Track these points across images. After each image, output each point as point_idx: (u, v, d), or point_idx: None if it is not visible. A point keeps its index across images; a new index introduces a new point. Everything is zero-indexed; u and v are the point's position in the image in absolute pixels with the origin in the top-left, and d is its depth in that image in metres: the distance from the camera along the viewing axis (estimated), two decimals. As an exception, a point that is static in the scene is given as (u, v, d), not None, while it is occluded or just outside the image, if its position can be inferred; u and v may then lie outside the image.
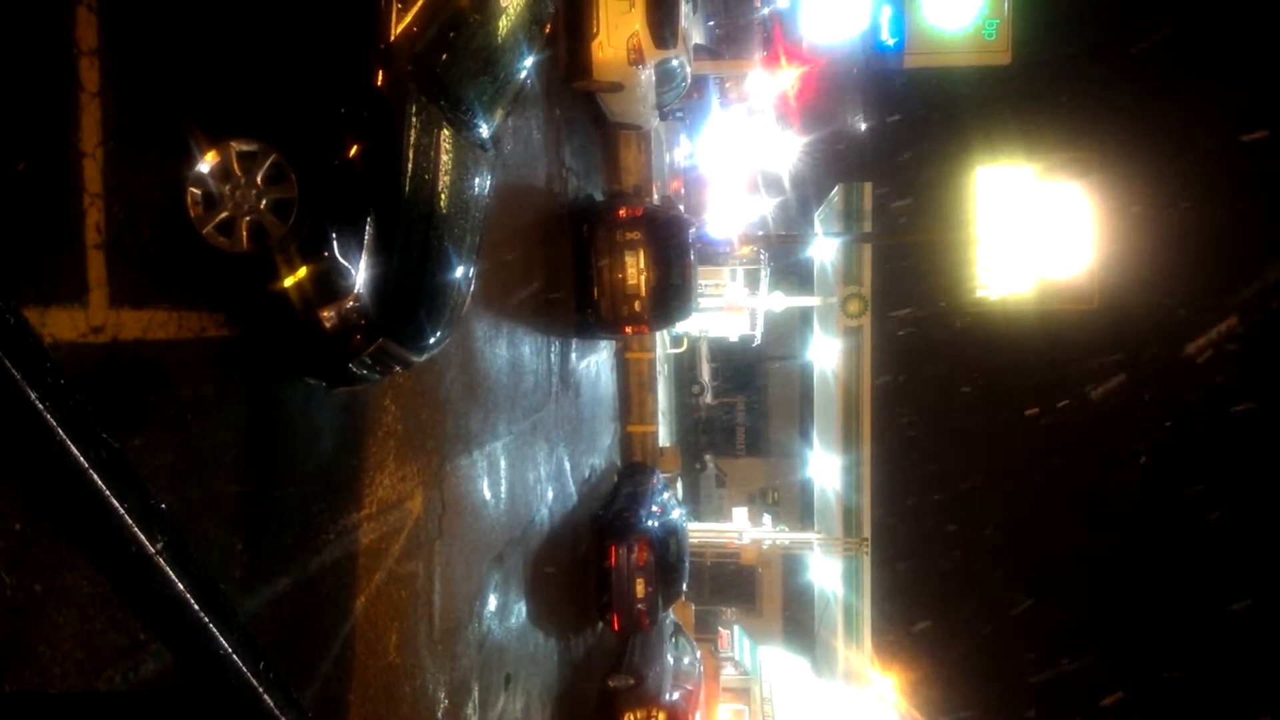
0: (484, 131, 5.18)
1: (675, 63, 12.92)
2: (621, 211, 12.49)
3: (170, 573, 1.50)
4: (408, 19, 3.99)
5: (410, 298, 4.45)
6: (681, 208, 21.54)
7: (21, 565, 3.00)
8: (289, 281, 3.84)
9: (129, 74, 3.55)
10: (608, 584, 12.62)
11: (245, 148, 3.79)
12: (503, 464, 8.84)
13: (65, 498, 1.39)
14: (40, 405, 1.22)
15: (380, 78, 3.97)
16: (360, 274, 3.97)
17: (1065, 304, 20.83)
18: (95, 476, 1.34)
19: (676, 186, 23.14)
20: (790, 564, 33.17)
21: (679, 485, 21.85)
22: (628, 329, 12.99)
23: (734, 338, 27.48)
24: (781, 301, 26.06)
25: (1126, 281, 23.50)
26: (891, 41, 17.65)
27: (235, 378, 4.25)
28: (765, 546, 25.06)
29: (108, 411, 3.46)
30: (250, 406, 4.41)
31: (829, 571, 27.35)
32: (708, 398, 38.11)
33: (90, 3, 3.40)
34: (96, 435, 1.31)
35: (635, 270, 12.36)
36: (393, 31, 3.96)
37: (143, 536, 1.44)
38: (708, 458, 39.42)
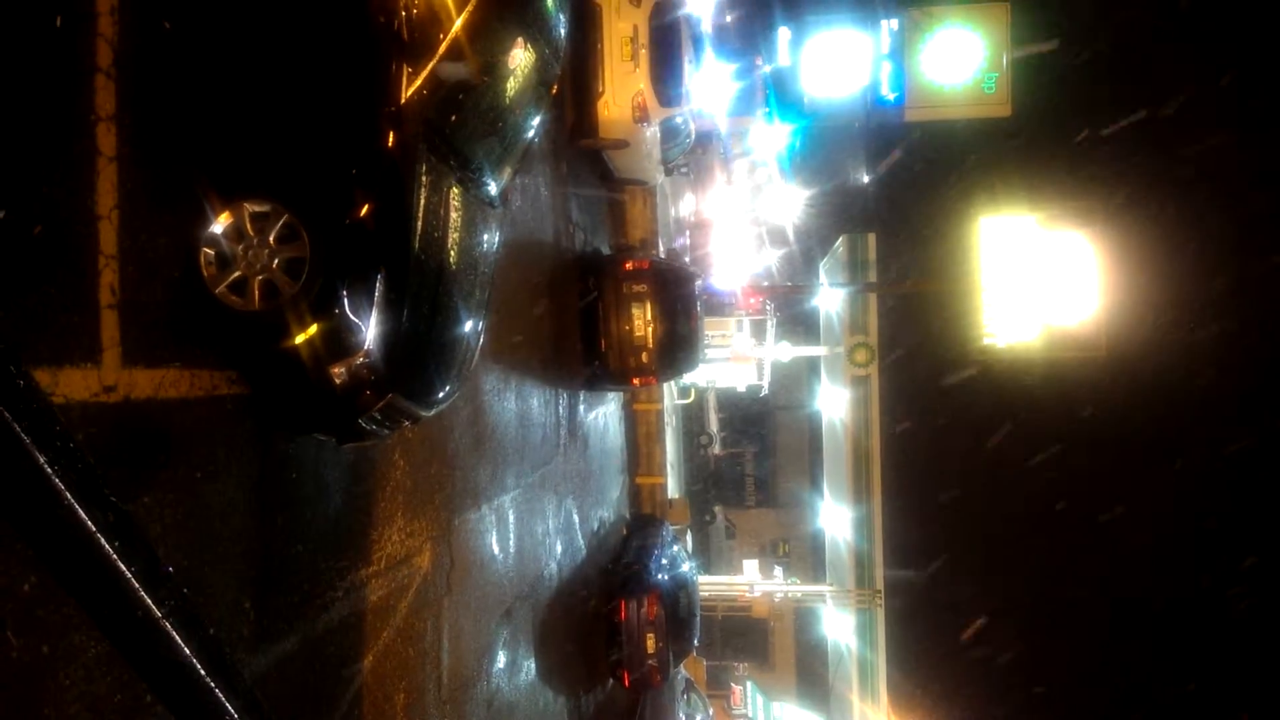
0: (492, 189, 5.26)
1: (679, 120, 13.15)
2: (628, 265, 12.61)
3: (176, 637, 1.49)
4: (418, 82, 4.09)
5: (420, 353, 4.48)
6: (687, 260, 21.73)
7: (29, 626, 2.99)
8: (300, 339, 3.88)
9: (145, 138, 3.64)
10: (618, 639, 12.43)
11: (258, 208, 3.86)
12: (511, 518, 8.78)
13: (73, 561, 1.39)
14: (49, 470, 1.23)
15: (391, 139, 4.05)
16: (370, 330, 4.01)
17: (1073, 351, 20.79)
18: (103, 540, 1.34)
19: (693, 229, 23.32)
20: (803, 617, 32.63)
21: (688, 537, 21.63)
22: (635, 380, 13.02)
23: (741, 388, 27.46)
24: (788, 351, 26.06)
25: (1135, 327, 23.47)
26: (892, 96, 17.96)
27: (245, 435, 4.27)
28: (777, 599, 24.70)
29: (118, 470, 3.47)
30: (260, 464, 4.42)
31: (842, 624, 26.87)
32: (716, 448, 37.92)
33: (109, 70, 3.50)
34: (105, 499, 1.32)
35: (642, 322, 12.43)
36: (403, 95, 4.05)
37: (149, 600, 1.44)
38: (717, 509, 39.08)
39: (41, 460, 1.23)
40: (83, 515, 1.31)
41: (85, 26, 3.42)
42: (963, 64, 17.39)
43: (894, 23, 17.81)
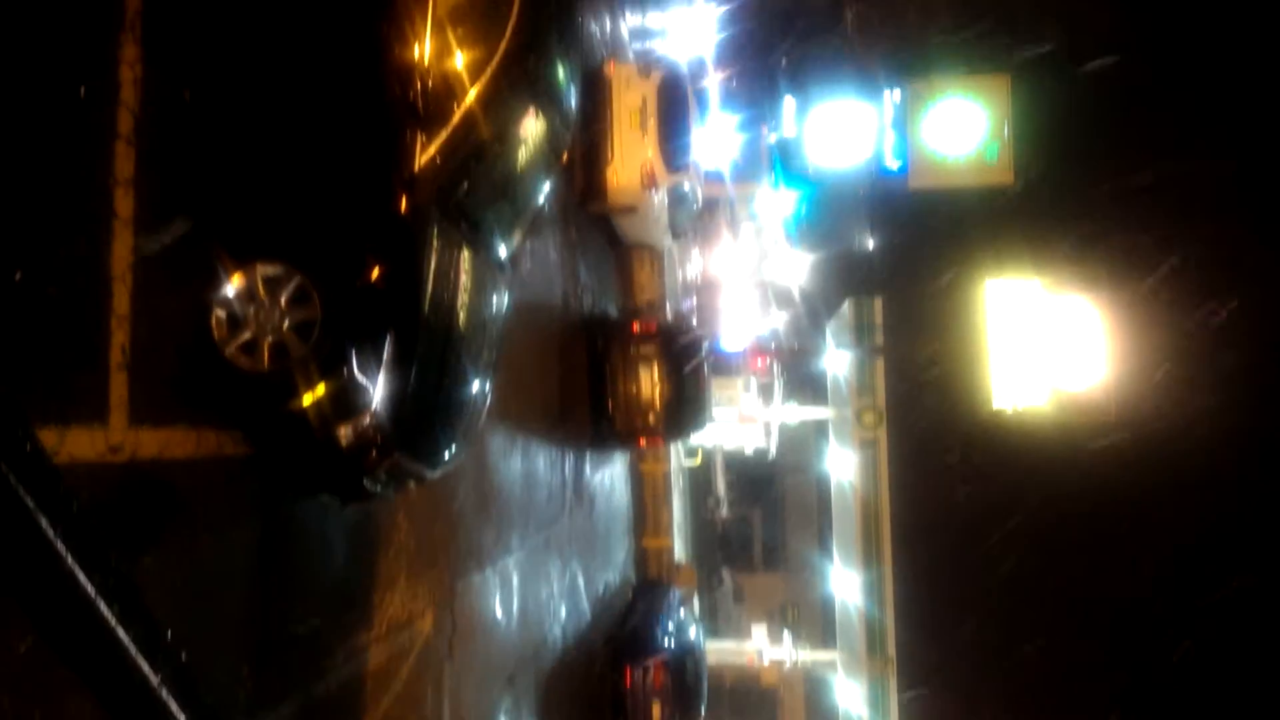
0: (502, 253, 5.33)
1: (686, 187, 13.36)
2: (636, 326, 12.70)
3: (171, 704, 1.47)
4: (432, 150, 4.18)
5: (426, 413, 4.49)
6: (694, 321, 21.84)
7: (23, 689, 2.94)
8: (307, 400, 3.90)
9: (161, 202, 3.71)
10: (623, 708, 12.13)
11: (270, 271, 3.91)
12: (515, 580, 8.67)
13: (71, 625, 1.38)
14: (51, 533, 1.24)
15: (404, 204, 4.13)
16: (378, 391, 4.03)
17: (1082, 416, 20.68)
18: (102, 605, 1.33)
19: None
20: (812, 684, 31.88)
21: (695, 601, 21.28)
22: (642, 441, 12.99)
23: (749, 450, 27.30)
24: (796, 413, 25.97)
25: (1144, 394, 23.34)
26: (895, 166, 18.20)
27: (250, 495, 4.26)
28: (786, 667, 24.18)
29: (122, 530, 3.46)
30: (263, 524, 4.40)
31: (853, 693, 26.24)
32: (724, 511, 37.50)
33: (129, 137, 3.59)
34: (106, 563, 1.32)
35: (649, 383, 12.45)
36: (417, 162, 4.15)
37: (145, 666, 1.43)
38: (725, 572, 38.48)
39: (44, 523, 1.23)
40: (83, 580, 1.31)
41: (108, 96, 3.53)
42: (965, 134, 17.65)
43: (896, 94, 18.16)
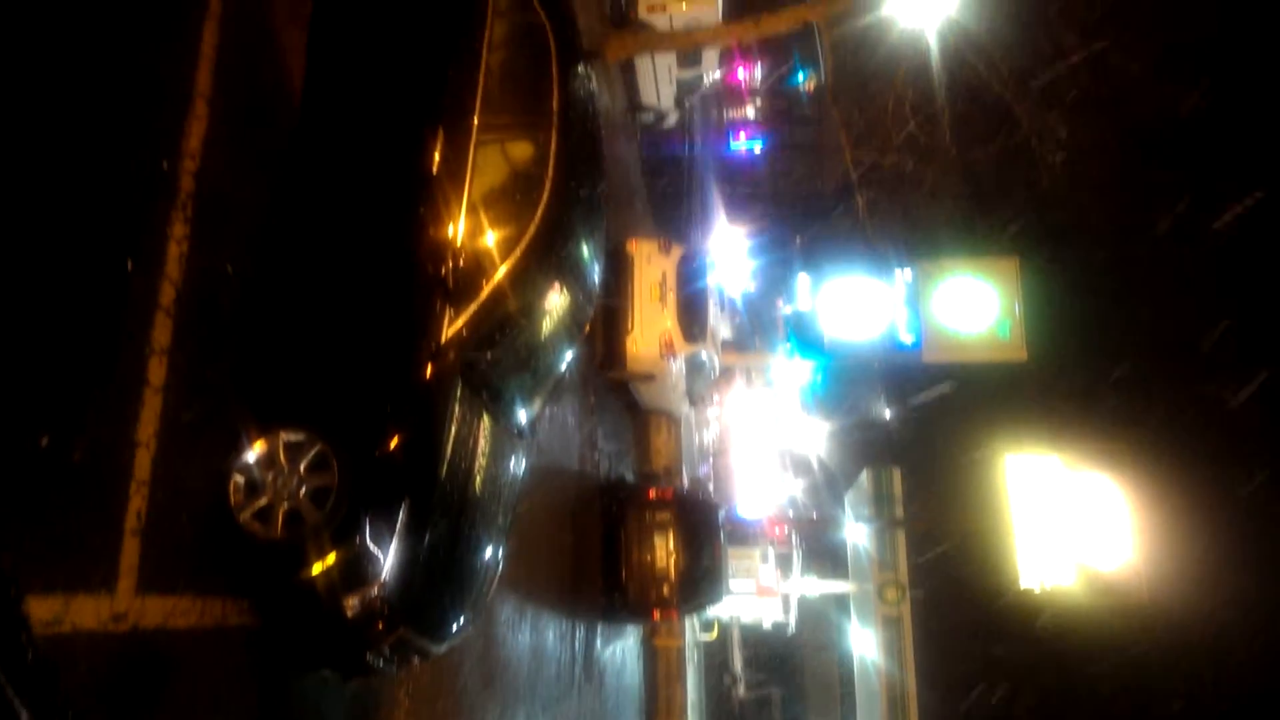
0: (522, 419, 5.37)
1: (704, 356, 13.63)
2: (651, 493, 12.59)
3: None
4: (459, 324, 4.31)
5: (436, 585, 4.39)
6: (711, 488, 21.64)
7: None
8: (317, 569, 3.83)
9: (193, 371, 3.81)
10: None
11: (293, 437, 3.95)
12: (518, 766, 8.16)
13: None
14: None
15: (429, 374, 4.22)
16: (389, 560, 3.96)
17: (1113, 597, 19.87)
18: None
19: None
20: None
21: (709, 793, 19.81)
22: (656, 613, 12.56)
23: (767, 624, 26.27)
24: (815, 586, 25.14)
25: (1177, 576, 22.49)
26: (909, 340, 18.45)
27: (249, 669, 4.11)
28: None
29: (117, 702, 3.33)
30: (260, 698, 4.22)
31: None
32: (741, 690, 35.59)
33: (169, 308, 3.73)
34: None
35: (664, 552, 12.20)
36: (444, 335, 4.27)
37: None
38: (742, 760, 36.03)
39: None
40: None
41: (154, 268, 3.70)
42: (977, 312, 17.94)
43: (907, 273, 18.69)
